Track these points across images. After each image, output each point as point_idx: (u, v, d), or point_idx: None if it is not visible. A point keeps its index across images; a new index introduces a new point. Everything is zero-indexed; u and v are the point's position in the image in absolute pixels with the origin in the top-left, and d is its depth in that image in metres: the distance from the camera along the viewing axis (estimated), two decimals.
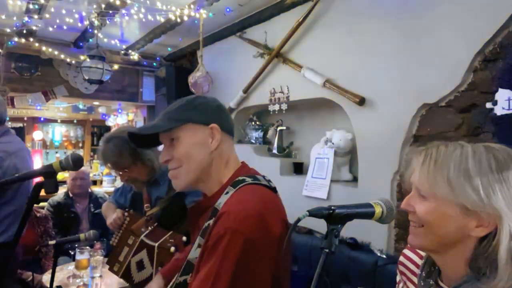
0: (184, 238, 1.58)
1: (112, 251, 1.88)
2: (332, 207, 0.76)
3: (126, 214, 1.89)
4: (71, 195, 3.42)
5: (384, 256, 2.08)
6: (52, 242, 1.52)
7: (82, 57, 3.85)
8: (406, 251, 0.98)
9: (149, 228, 1.76)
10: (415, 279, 0.91)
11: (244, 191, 0.98)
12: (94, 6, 3.08)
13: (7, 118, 2.06)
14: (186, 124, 1.03)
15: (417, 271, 0.91)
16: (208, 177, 1.06)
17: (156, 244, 1.66)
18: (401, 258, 0.99)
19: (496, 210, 0.70)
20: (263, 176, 1.08)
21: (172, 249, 1.60)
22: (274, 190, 1.07)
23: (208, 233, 0.94)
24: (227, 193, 0.99)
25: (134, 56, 4.34)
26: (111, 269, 1.85)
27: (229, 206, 0.94)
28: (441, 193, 0.73)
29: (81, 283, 2.16)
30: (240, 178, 1.02)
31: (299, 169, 3.02)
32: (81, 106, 6.21)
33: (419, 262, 0.92)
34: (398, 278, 1.01)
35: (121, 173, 1.85)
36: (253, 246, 0.87)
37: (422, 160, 0.78)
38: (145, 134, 1.10)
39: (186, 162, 1.03)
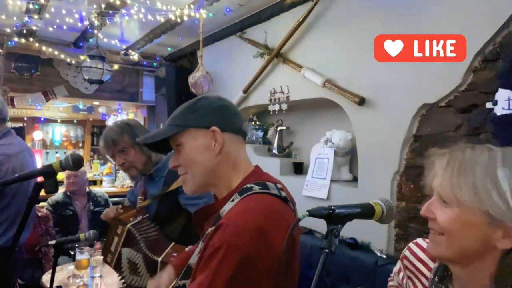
0: (186, 249, 1.58)
1: (104, 242, 1.90)
2: (332, 207, 0.75)
3: (120, 206, 1.92)
4: (68, 193, 3.46)
5: (384, 256, 2.08)
6: (52, 242, 1.52)
7: (82, 57, 3.84)
8: (413, 246, 0.94)
9: (138, 218, 1.78)
10: (423, 279, 0.88)
11: (248, 202, 0.92)
12: (94, 6, 3.08)
13: (8, 118, 2.04)
14: (188, 129, 1.00)
15: (425, 271, 0.87)
16: (218, 181, 1.02)
17: (159, 259, 1.66)
18: (407, 253, 0.94)
19: None
20: (275, 184, 1.00)
21: None
22: (285, 200, 0.98)
23: (206, 240, 0.90)
24: (233, 200, 0.95)
25: (134, 56, 4.34)
26: (105, 260, 1.89)
27: (230, 217, 0.90)
28: (465, 199, 0.68)
29: (81, 283, 2.16)
30: (248, 185, 0.96)
31: (299, 169, 3.02)
32: (81, 106, 6.20)
33: (428, 261, 0.88)
34: (398, 267, 0.98)
35: (118, 156, 1.86)
36: (251, 263, 0.82)
37: (445, 163, 0.73)
38: (150, 142, 1.06)
39: (192, 168, 1.01)
